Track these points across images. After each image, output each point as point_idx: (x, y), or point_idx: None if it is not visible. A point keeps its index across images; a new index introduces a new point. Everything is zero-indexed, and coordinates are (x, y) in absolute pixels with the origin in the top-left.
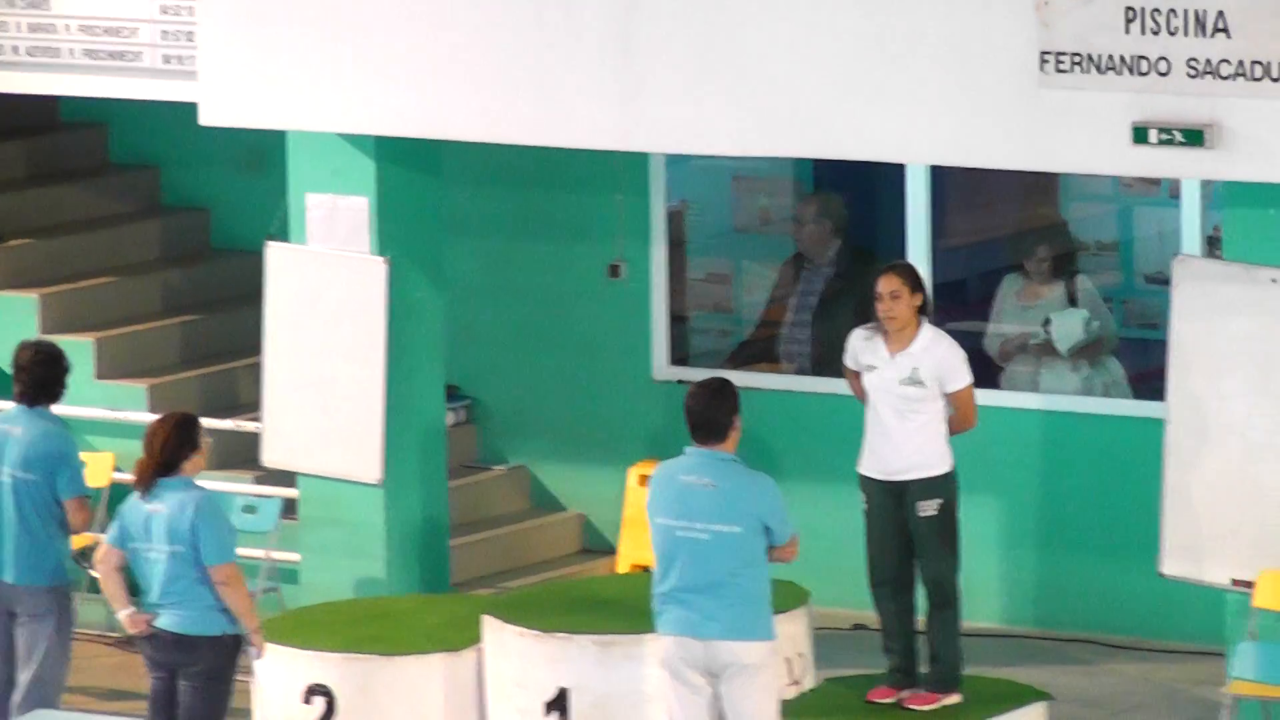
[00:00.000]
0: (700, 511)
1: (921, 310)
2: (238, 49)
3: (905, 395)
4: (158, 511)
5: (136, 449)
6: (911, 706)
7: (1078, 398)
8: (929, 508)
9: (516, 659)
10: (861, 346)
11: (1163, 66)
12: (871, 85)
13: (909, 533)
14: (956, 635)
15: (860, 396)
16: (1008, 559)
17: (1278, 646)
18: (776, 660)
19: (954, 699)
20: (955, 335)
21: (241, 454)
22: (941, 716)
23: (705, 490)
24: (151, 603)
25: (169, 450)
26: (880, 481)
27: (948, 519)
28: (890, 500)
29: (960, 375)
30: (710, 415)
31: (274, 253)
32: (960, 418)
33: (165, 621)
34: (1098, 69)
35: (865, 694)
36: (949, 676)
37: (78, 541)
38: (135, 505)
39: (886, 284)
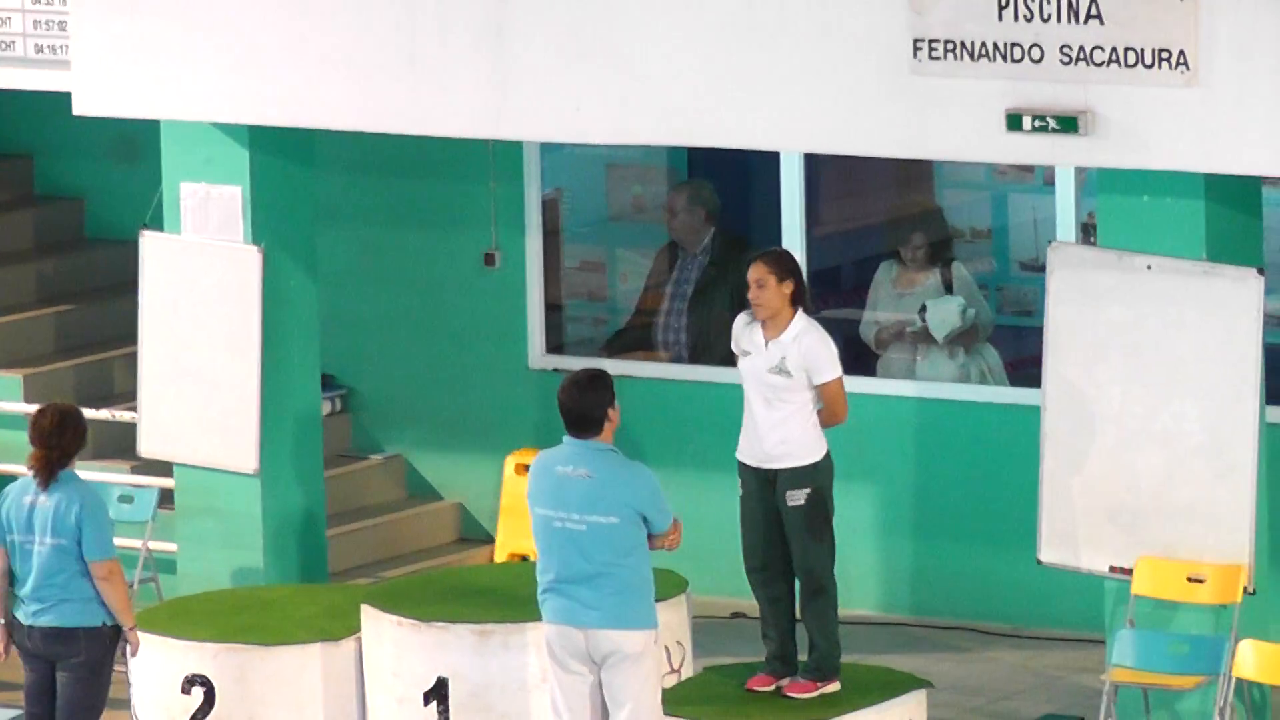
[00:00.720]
0: (576, 502)
1: (796, 299)
2: (111, 38)
3: (772, 384)
4: (40, 504)
5: (11, 438)
6: (790, 695)
7: (954, 385)
8: (797, 497)
9: (395, 648)
10: (742, 332)
11: (1036, 53)
12: (745, 73)
13: (782, 520)
14: (832, 623)
15: None
16: (884, 547)
17: (1156, 634)
18: (658, 649)
19: (833, 687)
20: (831, 322)
21: (117, 444)
22: (821, 705)
23: (581, 481)
24: (29, 594)
25: (70, 443)
26: (753, 468)
27: (817, 509)
28: (763, 487)
29: (827, 368)
30: (584, 410)
31: (148, 242)
32: (828, 411)
33: (43, 618)
34: (971, 56)
35: (744, 682)
36: (827, 665)
37: None
38: (15, 499)
39: (754, 272)
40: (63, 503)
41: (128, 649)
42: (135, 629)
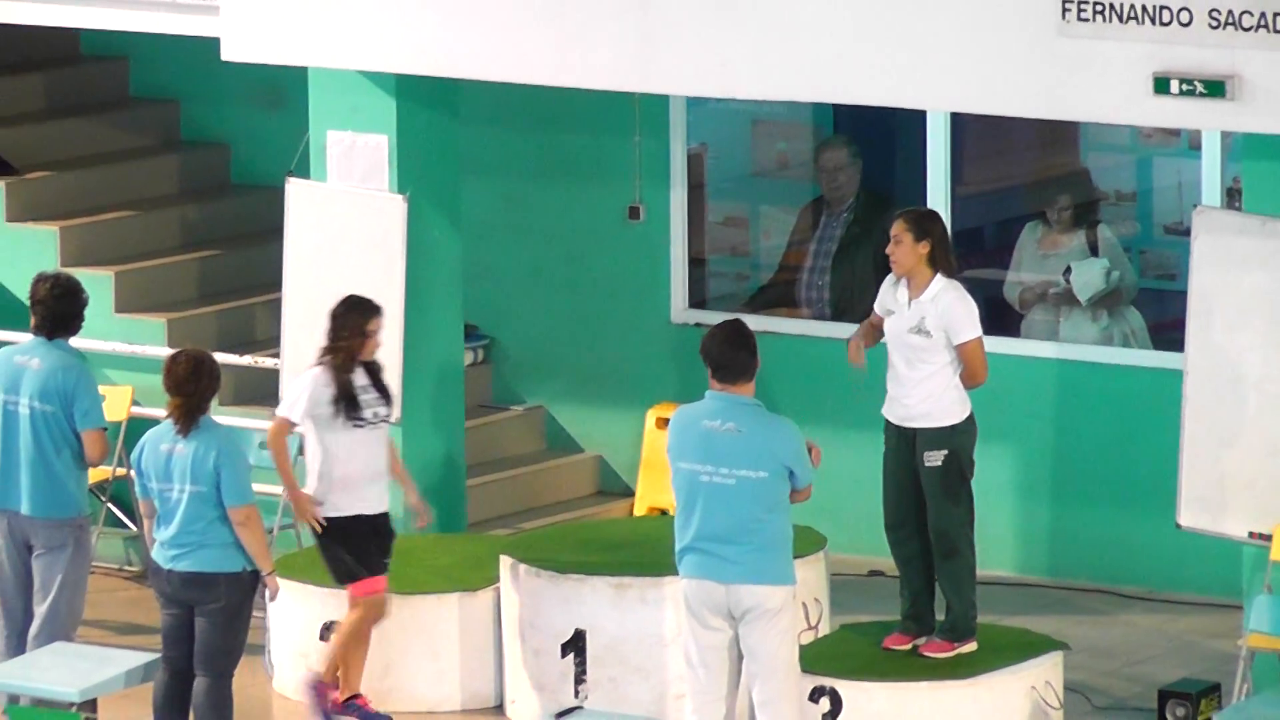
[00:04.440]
0: (726, 457)
1: (935, 260)
2: None
3: (912, 344)
4: (178, 452)
5: (155, 383)
6: (927, 654)
7: (1096, 347)
8: (934, 458)
9: (532, 599)
10: (887, 292)
11: (1184, 17)
12: (892, 31)
13: (919, 480)
14: (966, 585)
15: (853, 345)
16: (1023, 508)
17: None
18: (795, 605)
19: (969, 648)
20: (974, 282)
21: (259, 390)
22: (956, 665)
23: (729, 435)
24: (169, 540)
25: (206, 389)
26: (896, 426)
27: (953, 470)
28: (904, 446)
29: (965, 329)
30: (733, 356)
31: (294, 189)
32: (967, 372)
33: (183, 563)
34: (1119, 18)
35: (880, 641)
36: (962, 625)
37: (95, 475)
38: (152, 447)
39: (894, 228)
40: (200, 449)
41: (266, 593)
42: (274, 573)
